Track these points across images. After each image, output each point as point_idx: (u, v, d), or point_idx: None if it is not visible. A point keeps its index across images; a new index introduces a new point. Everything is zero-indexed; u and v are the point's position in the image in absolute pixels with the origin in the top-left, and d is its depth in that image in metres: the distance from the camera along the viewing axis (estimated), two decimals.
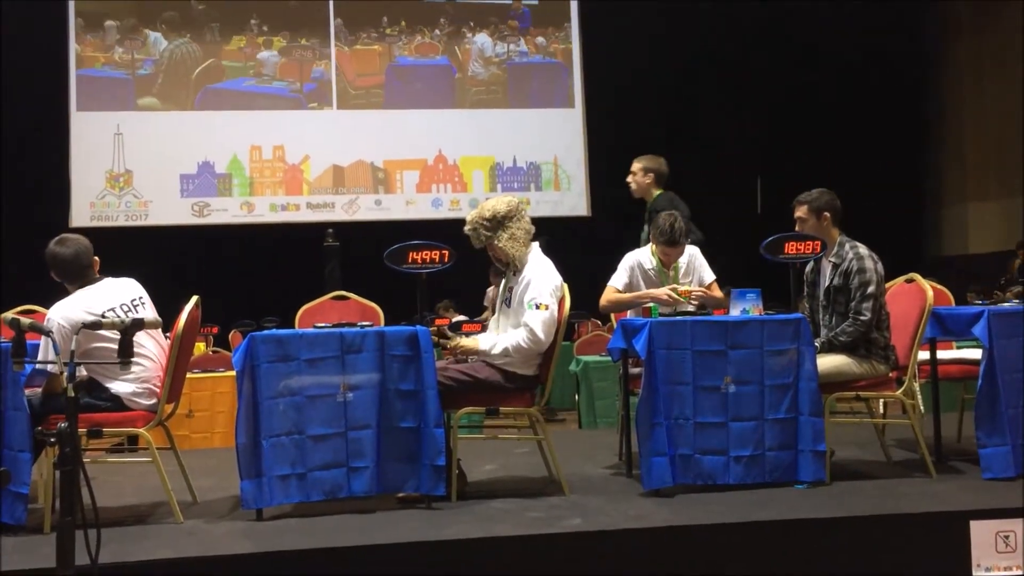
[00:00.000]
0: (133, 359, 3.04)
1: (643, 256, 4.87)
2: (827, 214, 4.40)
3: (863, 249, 4.35)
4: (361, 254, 8.63)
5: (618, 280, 4.84)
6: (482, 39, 13.14)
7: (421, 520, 3.68)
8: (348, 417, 3.79)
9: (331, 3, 12.67)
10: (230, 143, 12.29)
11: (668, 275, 4.81)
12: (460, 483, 4.04)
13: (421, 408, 3.81)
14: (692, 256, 4.88)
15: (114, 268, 4.08)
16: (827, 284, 4.39)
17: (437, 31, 13.01)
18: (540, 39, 13.26)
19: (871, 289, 4.23)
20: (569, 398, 7.76)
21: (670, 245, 4.71)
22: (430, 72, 12.95)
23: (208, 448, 6.12)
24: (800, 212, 4.44)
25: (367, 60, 12.82)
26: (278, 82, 12.59)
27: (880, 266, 4.31)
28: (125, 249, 6.01)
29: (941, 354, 4.72)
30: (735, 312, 4.21)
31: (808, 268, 4.57)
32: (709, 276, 4.89)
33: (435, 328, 4.26)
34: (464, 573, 3.33)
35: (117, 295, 3.90)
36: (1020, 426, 4.10)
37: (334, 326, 3.94)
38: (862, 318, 4.22)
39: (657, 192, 5.73)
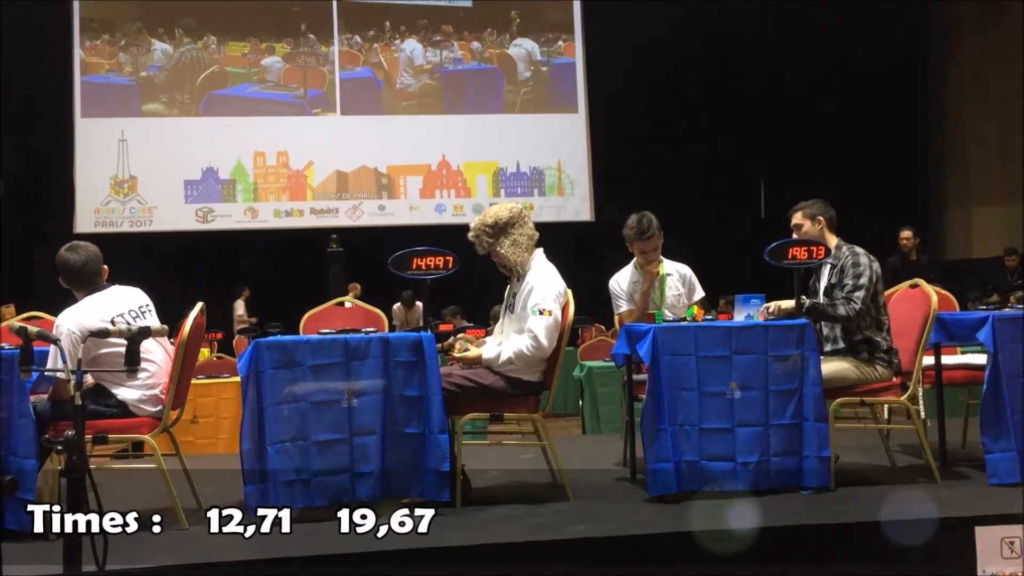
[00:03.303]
0: (140, 366, 3.05)
1: (623, 276, 4.90)
2: (821, 218, 4.46)
3: (859, 248, 4.42)
4: (365, 259, 8.65)
5: (622, 304, 4.86)
6: (411, 46, 12.83)
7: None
8: (353, 423, 3.79)
9: (335, 10, 12.70)
10: (234, 149, 12.33)
11: (654, 286, 4.82)
12: (464, 489, 4.04)
13: (425, 414, 3.81)
14: (683, 275, 4.90)
15: (119, 274, 4.09)
16: (825, 285, 4.42)
17: (357, 38, 12.68)
18: (475, 44, 12.99)
19: (863, 280, 4.26)
20: (573, 403, 7.76)
21: (640, 238, 4.72)
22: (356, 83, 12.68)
23: (212, 454, 6.12)
24: (795, 219, 4.52)
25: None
26: (282, 88, 12.62)
27: (876, 265, 4.35)
28: (129, 255, 6.03)
29: (946, 359, 4.71)
30: (739, 317, 4.21)
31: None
32: (698, 295, 4.90)
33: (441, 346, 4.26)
34: None
35: (124, 301, 3.92)
36: None
37: (338, 332, 3.94)
38: (853, 304, 4.22)
39: None
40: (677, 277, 4.86)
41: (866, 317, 4.28)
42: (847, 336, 4.32)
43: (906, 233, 9.07)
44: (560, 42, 13.13)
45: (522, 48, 13.12)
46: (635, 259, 4.84)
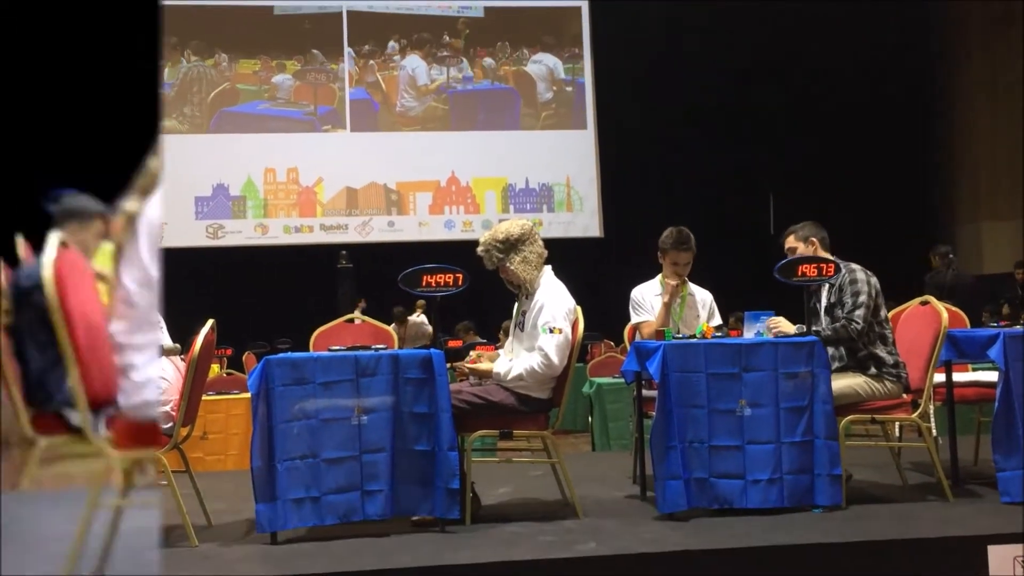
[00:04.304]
0: None
1: (648, 288, 4.92)
2: (814, 240, 4.52)
3: (855, 265, 4.43)
4: (374, 276, 8.66)
5: (643, 314, 4.86)
6: (414, 63, 12.42)
7: (435, 544, 3.67)
8: (362, 440, 3.79)
9: (344, 27, 12.77)
10: (244, 165, 12.40)
11: (675, 301, 4.82)
12: (474, 506, 4.03)
13: (435, 431, 3.81)
14: (704, 300, 4.93)
15: None
16: (825, 305, 4.44)
17: (353, 54, 12.28)
18: (488, 60, 12.67)
19: (862, 298, 4.28)
20: (582, 420, 7.74)
21: (677, 247, 4.75)
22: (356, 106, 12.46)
23: (222, 471, 6.13)
24: (789, 242, 4.58)
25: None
26: (292, 105, 12.68)
27: (874, 280, 4.37)
28: None
29: (957, 377, 4.69)
30: (749, 334, 4.20)
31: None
32: (715, 323, 4.91)
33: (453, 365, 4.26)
34: None
35: None
36: None
37: (348, 349, 3.95)
38: (855, 325, 4.25)
39: None
40: (699, 299, 4.88)
41: (869, 333, 4.29)
42: (851, 353, 4.32)
43: (933, 253, 9.32)
44: (584, 58, 12.88)
45: (543, 65, 12.69)
46: (661, 273, 4.86)
